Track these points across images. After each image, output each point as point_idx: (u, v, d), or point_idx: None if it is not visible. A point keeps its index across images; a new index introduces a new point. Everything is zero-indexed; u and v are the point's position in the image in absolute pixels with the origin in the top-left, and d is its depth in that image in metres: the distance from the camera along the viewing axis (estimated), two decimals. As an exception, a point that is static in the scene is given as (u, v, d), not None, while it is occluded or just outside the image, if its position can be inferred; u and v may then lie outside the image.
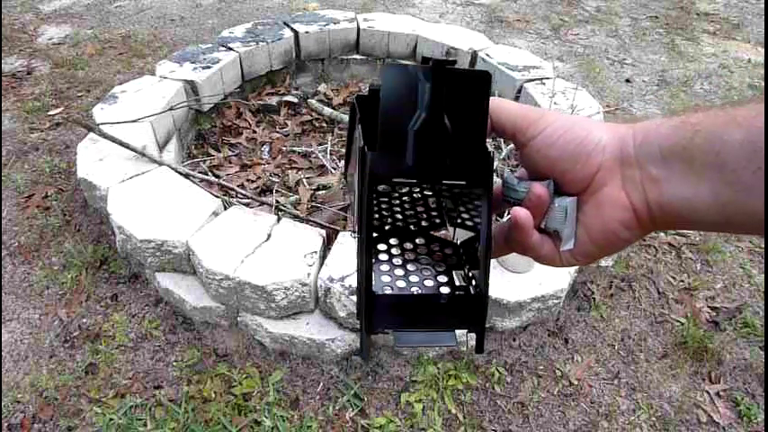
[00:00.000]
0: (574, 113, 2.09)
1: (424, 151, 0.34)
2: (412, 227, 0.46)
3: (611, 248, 0.37)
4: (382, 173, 0.35)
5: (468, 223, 0.42)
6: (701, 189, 0.31)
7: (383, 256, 0.41)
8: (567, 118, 0.36)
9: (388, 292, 0.38)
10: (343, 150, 2.29)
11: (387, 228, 0.45)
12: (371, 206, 0.35)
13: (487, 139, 0.36)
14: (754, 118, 0.28)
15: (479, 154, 0.35)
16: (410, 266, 0.42)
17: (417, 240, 0.45)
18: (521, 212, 0.36)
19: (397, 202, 0.47)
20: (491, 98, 0.35)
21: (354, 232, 0.43)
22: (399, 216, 0.46)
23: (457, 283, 0.40)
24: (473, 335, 0.36)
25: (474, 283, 0.39)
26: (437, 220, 0.47)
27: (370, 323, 0.35)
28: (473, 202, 0.40)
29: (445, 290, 0.39)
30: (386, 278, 0.40)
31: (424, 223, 0.47)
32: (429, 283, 0.40)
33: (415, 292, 0.38)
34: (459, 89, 0.33)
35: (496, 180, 0.39)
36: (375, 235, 0.43)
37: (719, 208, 0.30)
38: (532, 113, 0.37)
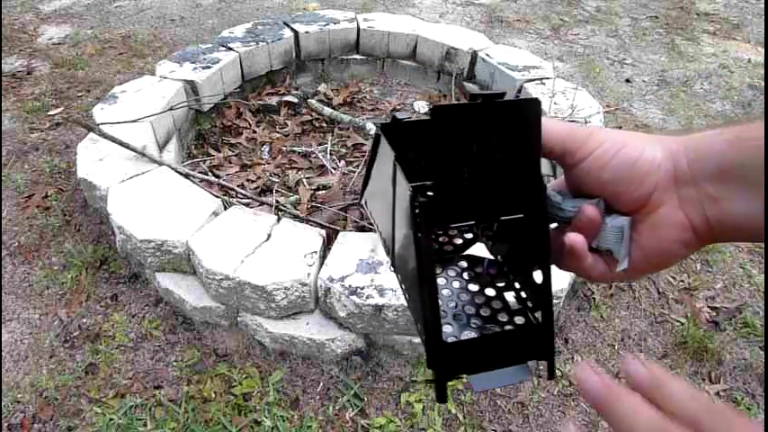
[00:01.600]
0: (574, 113, 2.09)
1: (479, 190, 0.33)
2: (447, 247, 0.44)
3: (665, 265, 0.37)
4: (439, 219, 0.33)
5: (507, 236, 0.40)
6: (756, 205, 0.31)
7: None
8: (616, 136, 0.35)
9: (452, 334, 0.37)
10: (343, 150, 2.29)
11: None
12: (431, 259, 0.33)
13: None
14: None
15: (534, 185, 0.34)
16: (463, 296, 0.40)
17: (461, 264, 0.43)
18: (577, 239, 0.35)
19: None
20: None
21: (393, 267, 0.41)
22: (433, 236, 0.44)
23: (511, 303, 0.39)
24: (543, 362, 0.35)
25: (529, 304, 0.38)
26: (469, 235, 0.44)
27: (445, 373, 0.33)
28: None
29: (508, 326, 0.37)
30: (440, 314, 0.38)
31: (458, 241, 0.44)
32: (485, 312, 0.39)
33: (480, 333, 0.37)
34: (510, 122, 0.32)
35: None
36: None
37: None
38: (580, 133, 0.35)
